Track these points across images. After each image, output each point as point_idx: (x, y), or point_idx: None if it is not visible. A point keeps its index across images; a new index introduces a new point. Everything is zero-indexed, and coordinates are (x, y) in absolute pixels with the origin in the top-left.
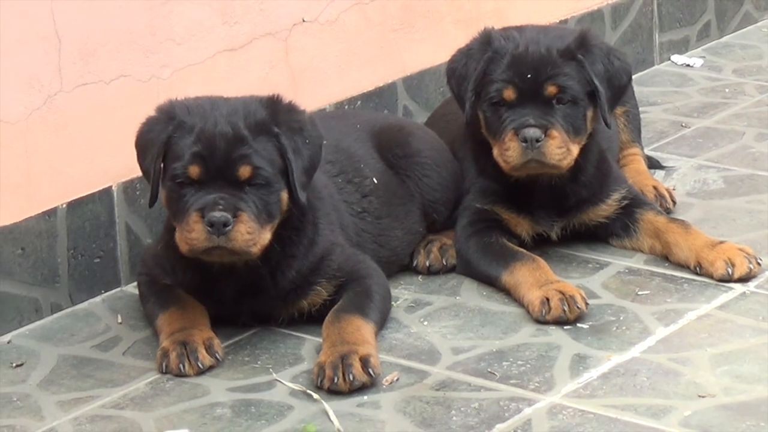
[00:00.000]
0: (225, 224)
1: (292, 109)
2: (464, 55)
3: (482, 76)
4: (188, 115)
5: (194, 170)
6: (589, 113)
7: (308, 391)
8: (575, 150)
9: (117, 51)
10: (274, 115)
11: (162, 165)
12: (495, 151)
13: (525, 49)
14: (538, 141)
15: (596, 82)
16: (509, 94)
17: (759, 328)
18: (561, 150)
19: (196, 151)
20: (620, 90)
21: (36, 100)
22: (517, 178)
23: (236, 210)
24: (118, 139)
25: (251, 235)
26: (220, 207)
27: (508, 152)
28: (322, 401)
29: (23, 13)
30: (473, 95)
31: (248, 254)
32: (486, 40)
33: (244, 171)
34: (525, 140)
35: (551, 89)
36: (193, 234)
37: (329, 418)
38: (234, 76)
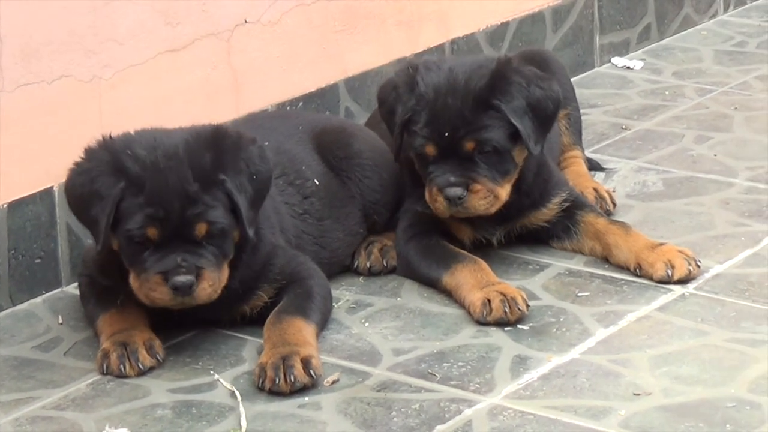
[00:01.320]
0: (190, 286)
1: (236, 146)
2: (392, 90)
3: (407, 123)
4: (137, 170)
5: (152, 232)
6: (516, 152)
7: (234, 390)
8: (504, 192)
9: (59, 51)
10: (219, 160)
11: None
12: (427, 196)
13: (444, 102)
14: (460, 198)
15: (515, 122)
16: (430, 150)
17: (698, 329)
18: (486, 200)
19: (151, 213)
20: (548, 119)
21: None
22: None
23: (198, 269)
24: (59, 139)
25: (213, 286)
26: (183, 270)
27: (436, 204)
28: (239, 401)
29: None
30: (400, 138)
31: (210, 300)
32: (411, 82)
33: (201, 229)
34: (447, 199)
35: (469, 145)
36: (155, 294)
37: (241, 420)
38: (176, 77)
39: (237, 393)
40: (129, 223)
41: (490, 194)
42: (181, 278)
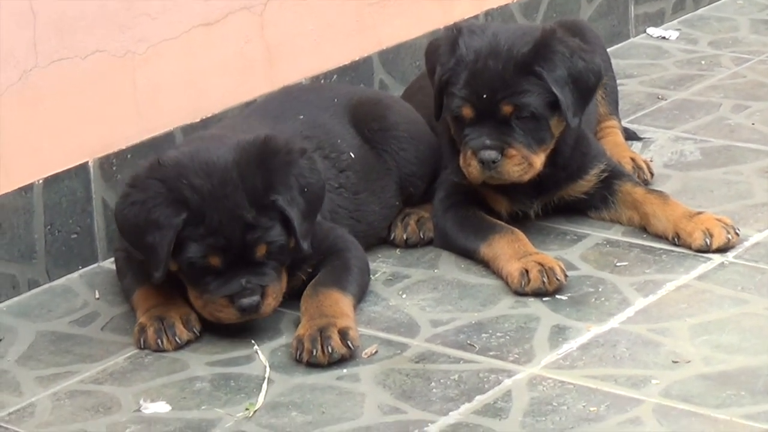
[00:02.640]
0: (257, 308)
1: (286, 163)
2: (435, 51)
3: (446, 85)
4: (196, 200)
5: (214, 260)
6: (553, 121)
7: (266, 366)
8: (539, 161)
9: (92, 26)
10: (270, 180)
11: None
12: (460, 161)
13: (483, 63)
14: (494, 162)
15: (557, 91)
16: (467, 112)
17: (738, 298)
18: (520, 167)
19: (212, 242)
20: (588, 91)
21: (11, 76)
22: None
23: (263, 288)
24: (94, 114)
25: (276, 299)
26: (248, 292)
27: (469, 168)
28: (266, 377)
29: None
30: (440, 98)
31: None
32: (452, 43)
33: (261, 250)
34: (482, 161)
35: (507, 108)
36: (222, 314)
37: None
38: (210, 51)
39: (267, 368)
40: (190, 251)
41: (525, 161)
42: (248, 300)
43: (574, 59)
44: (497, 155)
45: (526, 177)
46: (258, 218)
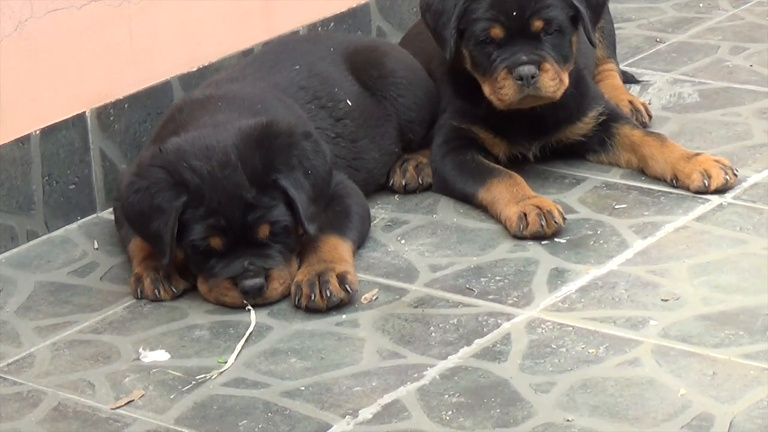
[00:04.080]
0: (260, 289)
1: (287, 144)
2: None
3: (464, 14)
4: (196, 181)
5: (215, 242)
6: (574, 38)
7: (248, 307)
8: (566, 78)
9: None
10: (271, 160)
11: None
12: (486, 90)
13: None
14: (533, 77)
15: (577, 4)
16: (497, 32)
17: (736, 238)
18: (555, 81)
19: (213, 223)
20: (599, 7)
21: (6, 27)
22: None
23: (267, 270)
24: (90, 64)
25: (285, 284)
26: (251, 273)
27: (503, 90)
28: (252, 310)
29: None
30: (455, 33)
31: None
32: None
33: (264, 230)
34: (520, 78)
35: (538, 23)
36: (227, 298)
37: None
38: (205, 0)
39: (252, 325)
40: (192, 234)
41: (557, 76)
42: (250, 282)
43: None
44: (535, 70)
45: (559, 93)
46: (259, 198)
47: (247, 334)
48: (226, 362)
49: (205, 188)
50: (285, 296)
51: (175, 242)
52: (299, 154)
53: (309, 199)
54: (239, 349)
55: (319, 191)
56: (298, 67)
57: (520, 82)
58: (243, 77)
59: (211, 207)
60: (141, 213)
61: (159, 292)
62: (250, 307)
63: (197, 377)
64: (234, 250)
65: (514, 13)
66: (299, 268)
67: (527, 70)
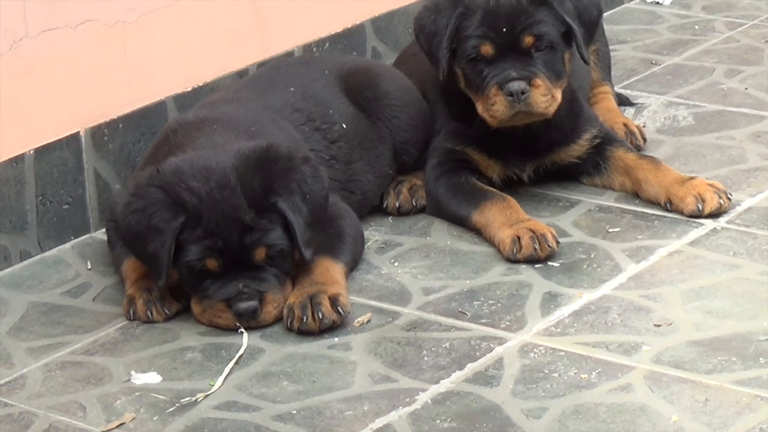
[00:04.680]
0: (254, 312)
1: (287, 168)
2: (432, 11)
3: (455, 33)
4: (194, 202)
5: (211, 263)
6: (567, 55)
7: (240, 329)
8: (559, 94)
9: None
10: (270, 183)
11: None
12: (479, 107)
13: (496, 1)
14: (523, 93)
15: (569, 21)
16: (487, 49)
17: (730, 263)
18: (546, 97)
19: (210, 244)
20: (592, 25)
21: (1, 46)
22: (491, 126)
23: (261, 294)
24: (84, 84)
25: (279, 307)
26: (245, 296)
27: (495, 107)
28: (244, 333)
29: None
30: (447, 52)
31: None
32: None
33: (260, 253)
34: (510, 94)
35: (528, 39)
36: (220, 320)
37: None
38: (201, 19)
39: (243, 347)
40: (188, 255)
41: (549, 92)
42: (244, 304)
43: None
44: (526, 86)
45: (551, 110)
46: (257, 220)
47: (237, 356)
48: (214, 383)
49: (203, 209)
50: (279, 320)
51: (171, 263)
52: (298, 178)
53: (306, 224)
54: (227, 372)
55: (316, 216)
56: (292, 89)
57: (510, 98)
58: (237, 99)
59: (209, 228)
60: (137, 233)
61: (151, 313)
62: (242, 330)
63: (188, 400)
64: (229, 272)
65: (504, 30)
66: (292, 290)
67: (517, 86)
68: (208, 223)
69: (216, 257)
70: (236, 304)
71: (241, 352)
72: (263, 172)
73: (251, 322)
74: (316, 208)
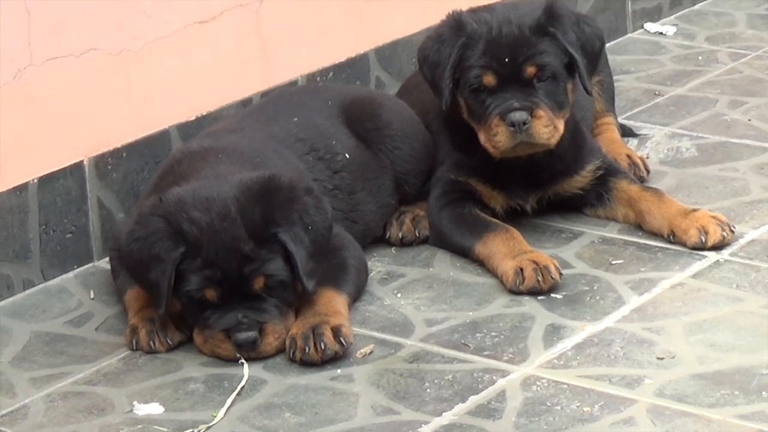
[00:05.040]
0: (253, 343)
1: (289, 199)
2: (435, 41)
3: (458, 63)
4: (195, 232)
5: (210, 294)
6: (569, 86)
7: (240, 360)
8: (561, 125)
9: (87, 24)
10: (271, 214)
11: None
12: (481, 137)
13: (498, 31)
14: (525, 123)
15: (572, 51)
16: (489, 80)
17: (733, 296)
18: (548, 128)
19: (208, 275)
20: (595, 56)
21: (6, 75)
22: (493, 156)
23: (261, 324)
24: (88, 113)
25: (280, 338)
26: (245, 326)
27: (497, 137)
28: (245, 364)
29: None
30: (450, 82)
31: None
32: (457, 24)
33: (258, 283)
34: (512, 124)
35: (530, 70)
36: (221, 351)
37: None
38: (205, 48)
39: (244, 378)
40: (188, 285)
41: (551, 123)
42: (243, 335)
43: (581, 24)
44: (527, 116)
45: (553, 140)
46: (256, 250)
47: (239, 388)
48: (216, 415)
49: (203, 239)
50: (280, 351)
51: (171, 292)
52: (300, 209)
53: (308, 255)
54: (229, 404)
55: (318, 247)
56: (295, 119)
57: (512, 128)
58: (241, 128)
59: (208, 258)
60: (140, 261)
61: (154, 343)
62: (243, 361)
63: (191, 431)
64: (229, 302)
65: (507, 60)
66: (295, 321)
67: (518, 116)
68: (207, 254)
69: (215, 287)
70: (235, 334)
71: (242, 383)
72: (264, 202)
73: (251, 352)
74: (319, 239)
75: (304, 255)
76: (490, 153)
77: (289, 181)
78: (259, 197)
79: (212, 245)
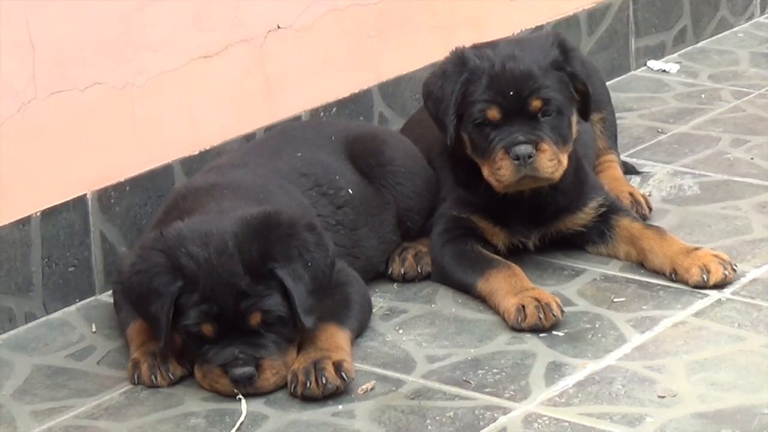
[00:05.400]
0: (250, 377)
1: (287, 235)
2: (439, 77)
3: (462, 98)
4: (192, 267)
5: (206, 329)
6: (573, 119)
7: (239, 396)
8: (565, 159)
9: (91, 58)
10: (268, 250)
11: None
12: (485, 171)
13: (502, 66)
14: (530, 157)
15: (586, 83)
16: (493, 114)
17: (734, 335)
18: (552, 162)
19: (205, 310)
20: (596, 91)
21: (9, 108)
22: (495, 190)
23: (257, 360)
24: (92, 146)
25: (278, 374)
26: (241, 362)
27: (501, 171)
28: (243, 400)
29: None
30: (455, 117)
31: (277, 388)
32: (460, 60)
33: (255, 318)
34: (517, 158)
35: (536, 104)
36: (219, 386)
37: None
38: (209, 83)
39: (243, 413)
40: (186, 319)
41: (555, 157)
42: (240, 370)
43: (584, 60)
44: (532, 150)
45: (557, 174)
46: (252, 286)
47: (238, 424)
48: None
49: (201, 274)
50: (279, 387)
51: (170, 326)
52: (300, 245)
53: (307, 292)
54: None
55: (319, 284)
56: (299, 154)
57: (516, 162)
58: (245, 163)
59: (205, 294)
60: (140, 295)
61: (156, 378)
62: (241, 396)
63: None
64: (226, 337)
65: (511, 93)
66: (297, 356)
67: (523, 149)
68: (204, 289)
69: (211, 322)
70: (232, 369)
71: (241, 419)
72: (262, 237)
73: (249, 388)
74: (319, 276)
75: (303, 291)
76: (494, 187)
77: (289, 218)
78: (257, 233)
79: (209, 280)
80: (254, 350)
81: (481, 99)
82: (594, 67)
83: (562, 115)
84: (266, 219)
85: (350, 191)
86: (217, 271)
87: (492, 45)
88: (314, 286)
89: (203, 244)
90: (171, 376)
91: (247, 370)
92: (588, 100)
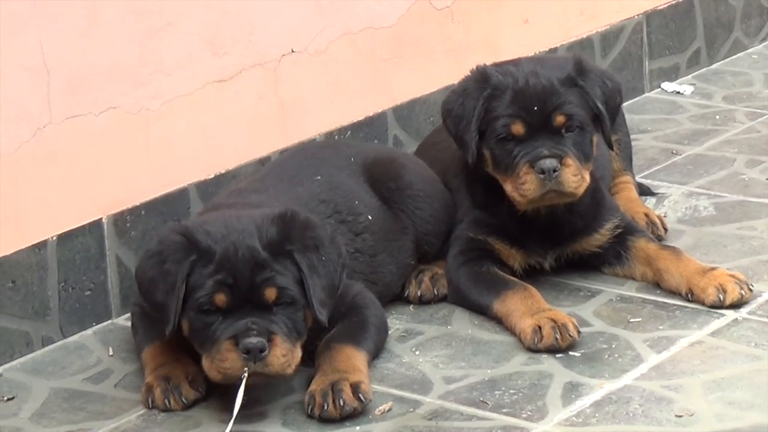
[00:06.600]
0: (261, 350)
1: (306, 226)
2: (460, 94)
3: (484, 114)
4: (208, 242)
5: (220, 298)
6: (595, 138)
7: (244, 374)
8: (587, 176)
9: (106, 83)
10: (287, 233)
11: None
12: (508, 187)
13: (526, 82)
14: (555, 171)
15: (599, 105)
16: (518, 128)
17: (751, 354)
18: (576, 177)
19: (221, 279)
20: (615, 110)
21: (25, 133)
22: (513, 210)
23: (270, 333)
24: (107, 170)
25: (286, 357)
26: (254, 332)
27: (525, 186)
28: (243, 381)
29: (11, 45)
30: (476, 134)
31: (284, 377)
32: (482, 77)
33: (270, 293)
34: (542, 171)
35: (560, 119)
36: (226, 363)
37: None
38: (223, 107)
39: (242, 390)
40: (199, 292)
41: (579, 173)
42: (252, 339)
43: (605, 79)
44: (557, 164)
45: (580, 190)
46: (270, 261)
47: (236, 411)
48: None
49: (217, 248)
50: (284, 373)
51: (180, 305)
52: (315, 237)
53: (321, 285)
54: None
55: (330, 281)
56: (319, 177)
57: (542, 175)
58: (265, 188)
59: (221, 263)
60: (151, 279)
61: (169, 402)
62: (245, 375)
63: None
64: (239, 311)
65: (536, 108)
66: (314, 377)
67: (549, 163)
68: (220, 258)
69: (225, 292)
70: (243, 339)
71: (238, 402)
72: (282, 225)
73: (258, 363)
74: (331, 272)
75: (318, 283)
76: (516, 203)
77: (306, 216)
78: (276, 221)
79: (226, 251)
80: (267, 324)
81: (505, 114)
82: (618, 83)
83: (584, 132)
84: (285, 214)
85: (369, 217)
86: (234, 245)
87: (514, 63)
88: (326, 282)
89: (224, 227)
90: (184, 400)
91: (260, 340)
92: (603, 120)
